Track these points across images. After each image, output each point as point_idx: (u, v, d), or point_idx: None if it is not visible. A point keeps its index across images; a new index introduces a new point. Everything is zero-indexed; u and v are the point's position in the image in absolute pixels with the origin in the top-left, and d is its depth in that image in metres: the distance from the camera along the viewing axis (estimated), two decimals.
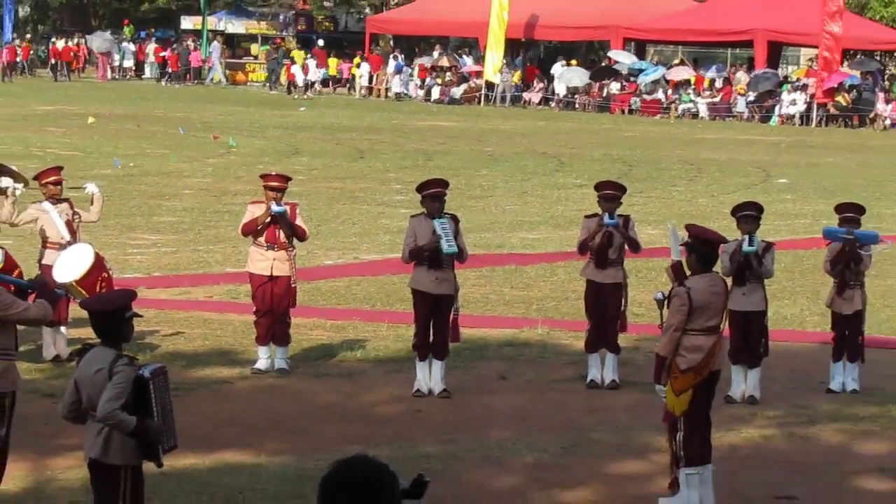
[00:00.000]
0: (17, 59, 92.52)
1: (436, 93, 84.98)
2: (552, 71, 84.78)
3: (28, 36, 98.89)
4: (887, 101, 77.40)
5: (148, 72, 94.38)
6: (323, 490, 6.43)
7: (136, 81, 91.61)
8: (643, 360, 20.36)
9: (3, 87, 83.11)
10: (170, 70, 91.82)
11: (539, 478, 16.63)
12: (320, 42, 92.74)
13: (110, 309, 12.54)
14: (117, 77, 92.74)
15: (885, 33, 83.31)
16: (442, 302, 20.17)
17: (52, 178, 21.35)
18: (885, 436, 18.95)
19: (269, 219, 20.94)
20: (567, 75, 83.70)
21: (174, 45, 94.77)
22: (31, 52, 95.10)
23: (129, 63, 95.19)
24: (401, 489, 7.51)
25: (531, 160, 51.38)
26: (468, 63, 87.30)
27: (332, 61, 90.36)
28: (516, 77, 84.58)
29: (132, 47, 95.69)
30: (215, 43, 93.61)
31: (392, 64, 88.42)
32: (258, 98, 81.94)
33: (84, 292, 18.62)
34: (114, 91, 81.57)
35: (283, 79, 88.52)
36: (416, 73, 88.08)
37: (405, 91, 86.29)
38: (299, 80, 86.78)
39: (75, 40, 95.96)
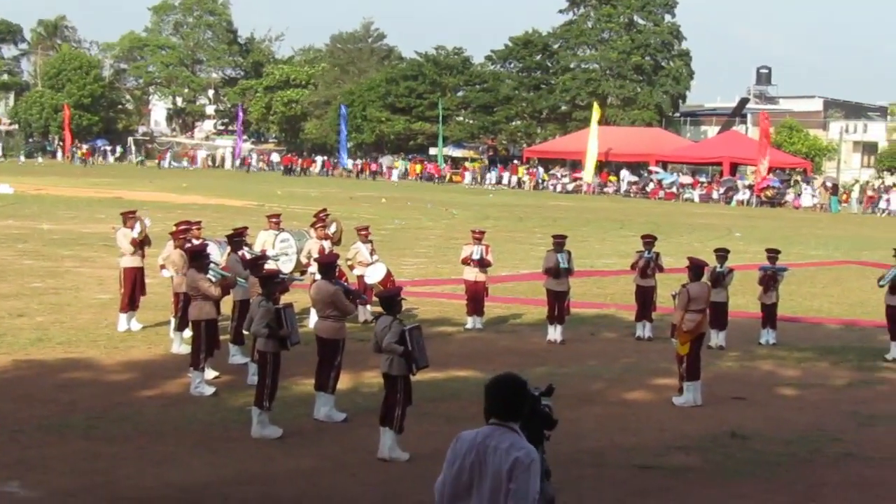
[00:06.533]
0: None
1: (559, 187, 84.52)
2: (621, 176, 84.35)
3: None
4: (793, 194, 76.61)
5: (395, 175, 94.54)
6: (486, 387, 6.41)
7: (405, 181, 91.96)
8: (665, 325, 20.07)
9: (335, 181, 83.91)
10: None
11: (615, 384, 16.46)
12: (515, 161, 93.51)
13: (390, 294, 12.62)
14: (396, 180, 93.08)
15: (791, 159, 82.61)
16: (561, 295, 20.06)
17: (364, 232, 21.56)
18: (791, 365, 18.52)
19: (473, 256, 21.06)
20: (627, 177, 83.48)
21: (424, 163, 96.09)
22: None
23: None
24: (540, 392, 7.43)
25: (606, 223, 50.86)
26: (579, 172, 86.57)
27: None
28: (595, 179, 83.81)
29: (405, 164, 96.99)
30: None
31: (536, 171, 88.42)
32: (467, 190, 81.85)
33: (381, 287, 18.76)
34: (397, 186, 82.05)
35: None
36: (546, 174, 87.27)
37: (543, 187, 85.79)
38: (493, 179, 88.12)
39: (368, 159, 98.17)
